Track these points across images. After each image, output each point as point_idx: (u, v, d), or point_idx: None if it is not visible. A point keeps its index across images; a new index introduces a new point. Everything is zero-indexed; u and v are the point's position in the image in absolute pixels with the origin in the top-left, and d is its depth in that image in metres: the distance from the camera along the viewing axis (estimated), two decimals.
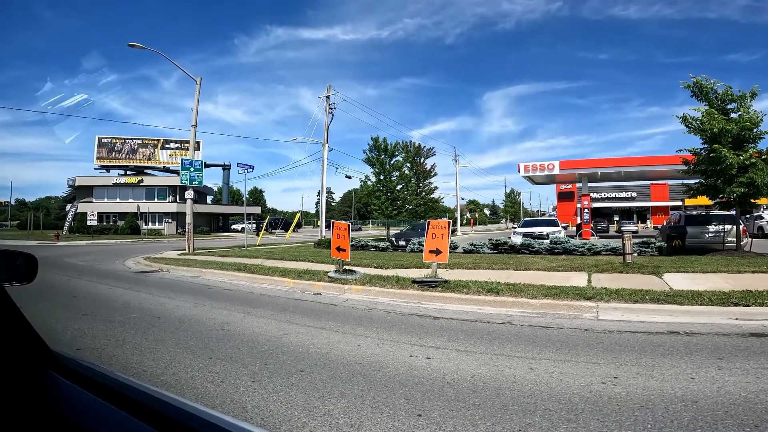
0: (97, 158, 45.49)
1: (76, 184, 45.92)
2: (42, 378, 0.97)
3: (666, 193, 50.79)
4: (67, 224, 40.98)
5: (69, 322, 5.66)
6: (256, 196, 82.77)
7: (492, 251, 14.91)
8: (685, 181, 15.90)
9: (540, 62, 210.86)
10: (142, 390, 0.91)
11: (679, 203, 43.39)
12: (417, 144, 26.38)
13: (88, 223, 33.54)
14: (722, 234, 13.79)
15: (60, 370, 1.01)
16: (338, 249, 9.43)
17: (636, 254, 11.63)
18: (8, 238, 31.32)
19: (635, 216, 54.12)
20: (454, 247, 14.85)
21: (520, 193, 70.41)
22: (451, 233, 9.06)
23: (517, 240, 15.45)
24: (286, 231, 31.04)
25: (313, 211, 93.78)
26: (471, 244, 15.41)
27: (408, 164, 25.44)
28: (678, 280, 7.77)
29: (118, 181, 45.29)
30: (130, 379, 0.97)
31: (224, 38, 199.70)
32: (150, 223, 42.31)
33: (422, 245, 9.21)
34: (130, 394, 0.90)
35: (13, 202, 67.42)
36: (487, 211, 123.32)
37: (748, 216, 23.98)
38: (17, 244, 26.12)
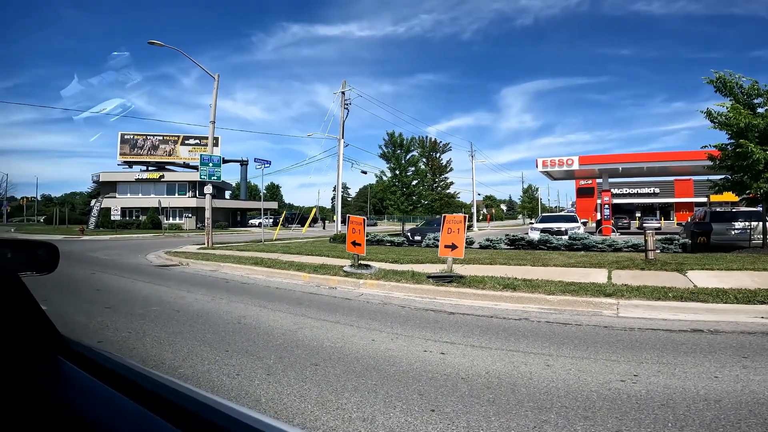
0: (120, 154, 46.53)
1: (101, 180, 47.11)
2: (51, 363, 0.99)
3: (691, 189, 49.34)
4: (93, 219, 42.04)
5: (92, 315, 5.81)
6: (273, 192, 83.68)
7: (509, 247, 14.75)
8: (711, 177, 15.42)
9: (559, 58, 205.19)
10: (153, 378, 0.92)
11: (704, 199, 42.07)
12: (433, 139, 26.38)
13: (112, 218, 34.39)
14: (748, 231, 13.37)
15: (70, 356, 1.03)
16: (353, 243, 9.44)
17: (659, 251, 11.34)
18: (35, 233, 32.37)
19: (658, 212, 52.80)
20: (470, 243, 14.73)
21: (537, 189, 69.48)
22: (467, 229, 8.98)
23: (535, 236, 15.23)
24: (303, 226, 31.26)
25: (328, 206, 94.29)
26: (487, 240, 15.26)
27: (424, 159, 25.36)
28: (702, 278, 7.55)
29: (140, 177, 46.24)
30: (142, 368, 0.98)
31: (242, 36, 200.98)
32: (171, 218, 43.12)
33: (437, 240, 9.15)
34: (141, 382, 0.90)
35: (39, 198, 69.63)
36: (503, 207, 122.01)
37: None
38: (44, 239, 26.95)
